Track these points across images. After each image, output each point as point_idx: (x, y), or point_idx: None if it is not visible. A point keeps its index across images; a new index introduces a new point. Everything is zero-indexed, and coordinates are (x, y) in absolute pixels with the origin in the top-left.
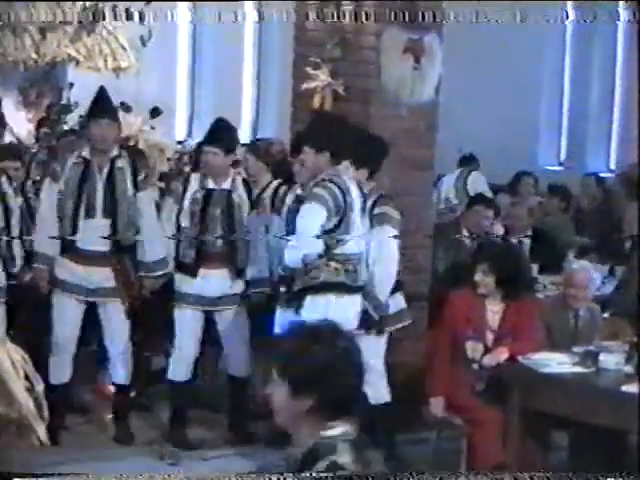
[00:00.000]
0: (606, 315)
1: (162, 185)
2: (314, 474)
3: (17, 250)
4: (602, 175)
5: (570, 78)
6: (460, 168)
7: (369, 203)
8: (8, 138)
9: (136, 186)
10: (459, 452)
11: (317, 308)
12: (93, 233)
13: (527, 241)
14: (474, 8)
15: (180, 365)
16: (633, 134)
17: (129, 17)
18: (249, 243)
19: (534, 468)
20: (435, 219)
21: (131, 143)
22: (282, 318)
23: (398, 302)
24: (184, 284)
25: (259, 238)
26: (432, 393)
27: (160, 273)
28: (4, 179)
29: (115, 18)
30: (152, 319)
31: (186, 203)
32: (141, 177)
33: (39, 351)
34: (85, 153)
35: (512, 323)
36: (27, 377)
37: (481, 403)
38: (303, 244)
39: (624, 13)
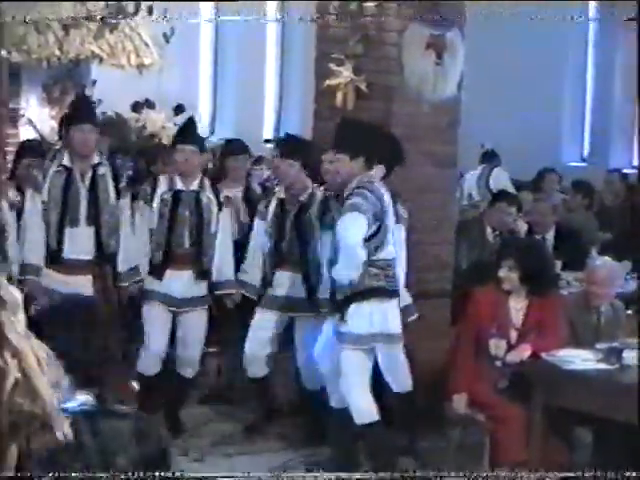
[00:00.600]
0: (630, 312)
1: None
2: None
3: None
4: (625, 171)
5: (593, 74)
6: (482, 165)
7: None
8: (32, 135)
9: (118, 193)
10: (482, 449)
11: (362, 315)
12: (77, 242)
13: (550, 237)
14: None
15: (149, 360)
16: None
17: (151, 14)
18: (215, 244)
19: (557, 465)
20: (458, 216)
21: (155, 140)
22: (327, 327)
23: (404, 297)
24: (152, 283)
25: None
26: (455, 390)
27: (128, 283)
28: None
29: (137, 15)
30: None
31: (155, 204)
32: (122, 184)
33: None
34: (65, 161)
35: (536, 320)
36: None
37: (504, 400)
38: (350, 254)
39: None
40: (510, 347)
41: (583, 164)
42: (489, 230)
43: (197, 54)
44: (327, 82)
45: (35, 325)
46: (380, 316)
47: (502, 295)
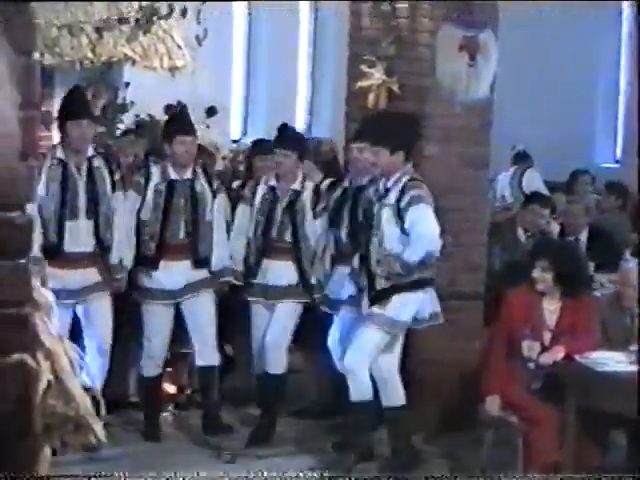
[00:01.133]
0: None
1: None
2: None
3: None
4: None
5: (626, 75)
6: (514, 166)
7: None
8: None
9: (113, 186)
10: (515, 451)
11: (407, 304)
12: (77, 235)
13: (583, 239)
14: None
15: (149, 361)
16: None
17: (185, 15)
18: (212, 233)
19: (591, 468)
20: (490, 218)
21: None
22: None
23: None
24: (145, 279)
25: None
26: (488, 392)
27: (119, 276)
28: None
29: (171, 16)
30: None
31: (149, 195)
32: (117, 177)
33: None
34: (59, 154)
35: (569, 321)
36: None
37: (537, 402)
38: (426, 244)
39: None
40: (543, 349)
41: (616, 165)
42: (521, 232)
43: (229, 56)
44: (359, 84)
45: None
46: (426, 306)
47: (536, 296)
